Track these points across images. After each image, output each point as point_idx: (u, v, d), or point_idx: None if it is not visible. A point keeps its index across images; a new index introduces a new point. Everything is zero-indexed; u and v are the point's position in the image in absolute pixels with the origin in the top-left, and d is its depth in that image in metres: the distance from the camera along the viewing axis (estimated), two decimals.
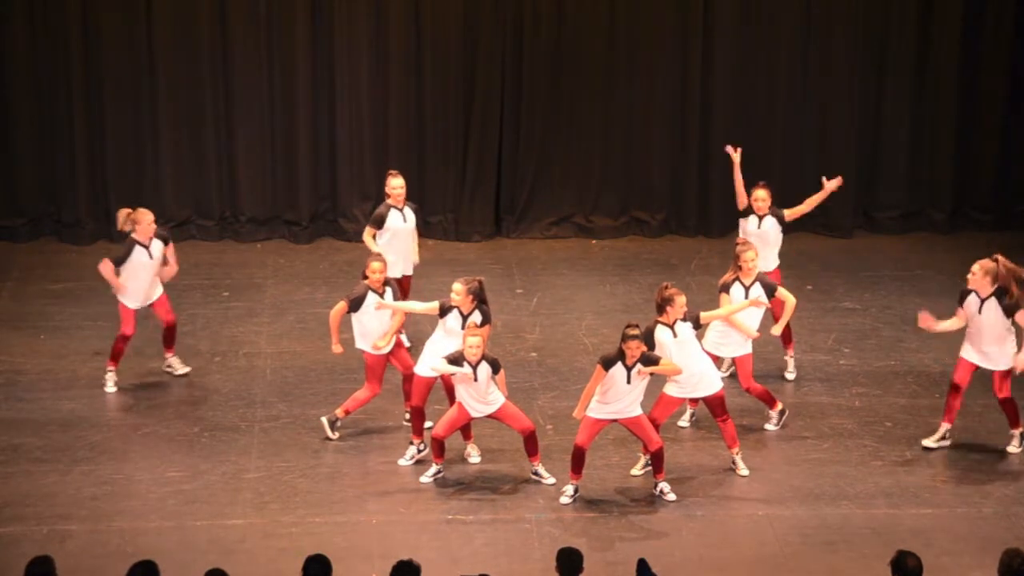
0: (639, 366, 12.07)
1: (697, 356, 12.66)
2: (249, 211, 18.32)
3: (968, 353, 13.17)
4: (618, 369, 12.07)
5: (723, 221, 18.61)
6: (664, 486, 12.53)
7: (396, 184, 15.01)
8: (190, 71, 17.87)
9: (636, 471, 12.94)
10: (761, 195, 14.44)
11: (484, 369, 12.34)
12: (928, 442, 13.32)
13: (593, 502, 12.49)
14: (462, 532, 12.04)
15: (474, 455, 13.12)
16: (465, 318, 12.71)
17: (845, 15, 18.25)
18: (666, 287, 12.60)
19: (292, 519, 12.15)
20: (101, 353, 15.07)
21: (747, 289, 13.28)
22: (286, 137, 18.14)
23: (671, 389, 12.68)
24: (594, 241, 18.49)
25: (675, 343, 12.46)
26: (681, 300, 12.51)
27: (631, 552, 11.29)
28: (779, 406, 13.66)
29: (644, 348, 12.12)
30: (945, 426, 13.33)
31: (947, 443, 13.32)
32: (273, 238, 18.33)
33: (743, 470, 12.92)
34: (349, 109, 18.09)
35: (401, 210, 14.93)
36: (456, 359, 12.34)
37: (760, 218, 14.42)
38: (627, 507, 12.45)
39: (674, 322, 12.50)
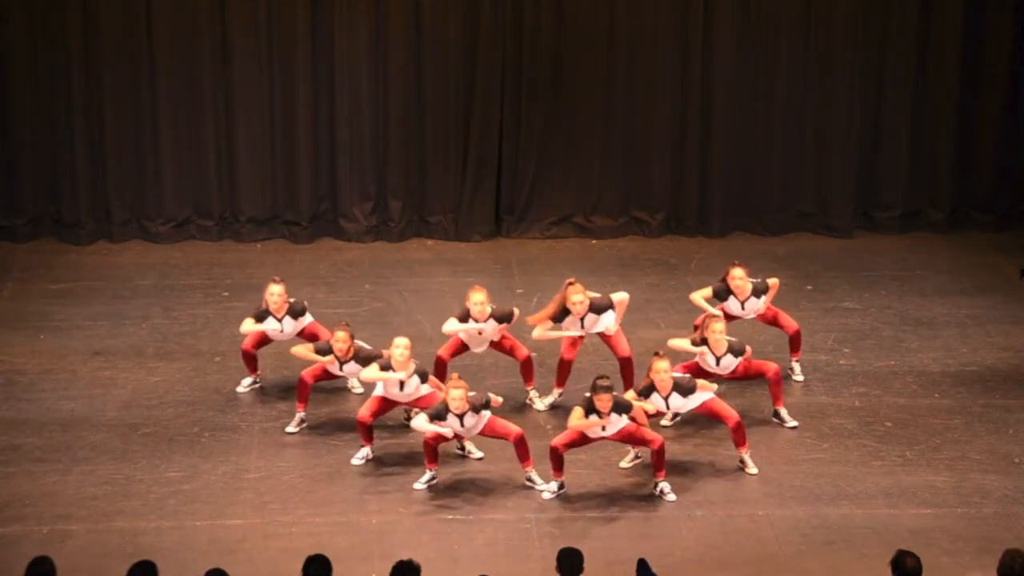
0: (612, 415, 12.29)
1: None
2: (249, 211, 18.31)
3: None
4: (594, 418, 12.31)
5: (723, 221, 18.62)
6: (664, 486, 12.53)
7: (274, 290, 13.95)
8: (190, 71, 17.86)
9: (625, 464, 12.99)
10: (738, 273, 14.22)
11: (471, 419, 12.45)
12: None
13: (593, 502, 12.49)
14: (462, 532, 12.05)
15: (476, 451, 13.16)
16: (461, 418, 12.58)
17: (845, 15, 18.24)
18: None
19: (292, 519, 12.16)
20: (101, 353, 15.08)
21: (719, 359, 13.22)
22: (286, 137, 18.13)
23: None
24: (594, 241, 18.48)
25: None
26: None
27: (631, 552, 11.29)
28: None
29: (613, 399, 12.24)
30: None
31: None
32: (273, 238, 18.32)
33: (751, 468, 12.94)
34: (349, 109, 18.07)
35: (280, 320, 14.03)
36: (440, 413, 12.41)
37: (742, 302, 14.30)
38: (627, 507, 12.45)
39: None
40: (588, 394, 12.34)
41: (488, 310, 13.66)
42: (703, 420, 13.54)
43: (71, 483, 12.63)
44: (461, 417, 12.42)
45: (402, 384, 12.92)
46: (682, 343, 13.44)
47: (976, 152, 18.79)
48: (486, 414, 12.53)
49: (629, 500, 12.56)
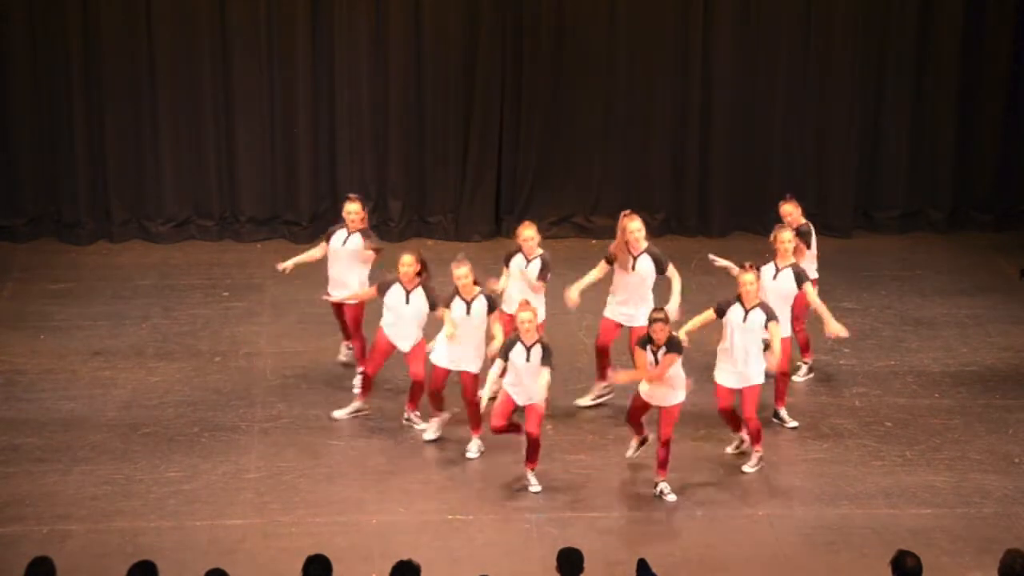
0: (664, 350, 12.35)
1: (755, 347, 12.81)
2: (249, 211, 18.31)
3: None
4: (648, 352, 12.37)
5: (723, 221, 18.62)
6: (664, 486, 12.54)
7: (351, 208, 14.16)
8: (190, 71, 17.86)
9: (631, 453, 13.02)
10: (789, 208, 14.36)
11: (537, 352, 12.42)
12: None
13: (593, 502, 12.50)
14: (462, 532, 12.05)
15: (474, 450, 13.16)
16: (529, 349, 12.58)
17: (845, 15, 18.25)
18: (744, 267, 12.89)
19: (292, 519, 12.16)
20: (101, 353, 15.08)
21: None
22: (286, 137, 18.13)
23: (722, 378, 12.86)
24: (594, 241, 18.46)
25: (742, 327, 12.74)
26: (747, 278, 12.72)
27: (631, 552, 11.29)
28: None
29: (668, 331, 12.35)
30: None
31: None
32: (273, 238, 18.32)
33: (749, 467, 12.95)
34: (349, 109, 18.08)
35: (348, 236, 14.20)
36: (508, 345, 12.50)
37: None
38: (627, 507, 12.46)
39: (751, 308, 12.72)
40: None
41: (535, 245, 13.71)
42: (705, 420, 13.50)
43: (71, 483, 12.63)
44: (529, 349, 12.42)
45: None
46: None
47: (976, 152, 18.80)
48: (539, 395, 12.48)
49: (629, 500, 12.56)
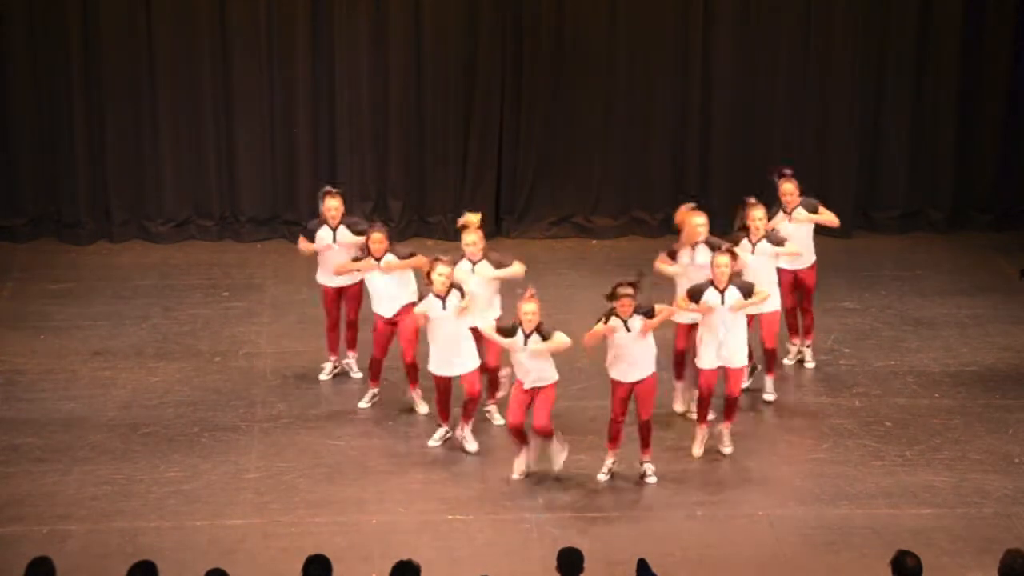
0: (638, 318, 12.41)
1: (736, 327, 12.89)
2: (249, 211, 18.31)
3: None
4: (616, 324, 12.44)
5: (723, 221, 18.58)
6: (649, 467, 12.57)
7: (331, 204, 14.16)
8: (190, 71, 17.86)
9: (604, 471, 13.09)
10: (789, 187, 14.55)
11: (535, 340, 12.41)
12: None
13: (593, 502, 12.50)
14: (462, 532, 12.05)
15: (471, 442, 13.17)
16: (527, 336, 12.56)
17: (845, 15, 18.25)
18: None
19: (292, 519, 12.16)
20: (101, 353, 15.08)
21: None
22: (286, 137, 18.13)
23: (705, 362, 12.91)
24: (594, 241, 18.48)
25: (721, 309, 12.87)
26: (721, 260, 12.90)
27: (631, 552, 11.29)
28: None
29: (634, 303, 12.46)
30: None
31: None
32: (273, 238, 18.32)
33: (726, 447, 13.08)
34: (349, 109, 18.08)
35: (334, 229, 14.26)
36: (510, 330, 12.51)
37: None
38: (627, 507, 12.46)
39: (724, 288, 12.85)
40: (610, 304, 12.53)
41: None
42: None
43: (71, 483, 12.63)
44: (528, 336, 12.41)
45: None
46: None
47: (976, 152, 18.79)
48: (549, 378, 12.46)
49: (629, 500, 12.56)
